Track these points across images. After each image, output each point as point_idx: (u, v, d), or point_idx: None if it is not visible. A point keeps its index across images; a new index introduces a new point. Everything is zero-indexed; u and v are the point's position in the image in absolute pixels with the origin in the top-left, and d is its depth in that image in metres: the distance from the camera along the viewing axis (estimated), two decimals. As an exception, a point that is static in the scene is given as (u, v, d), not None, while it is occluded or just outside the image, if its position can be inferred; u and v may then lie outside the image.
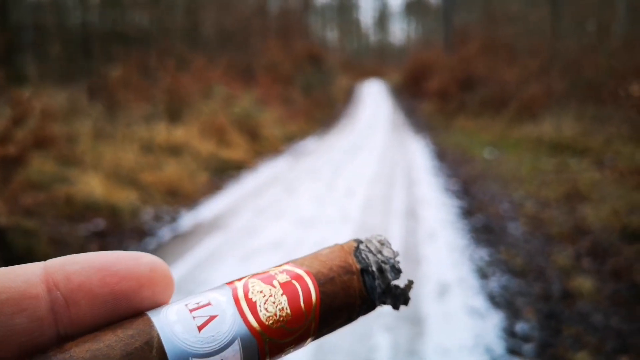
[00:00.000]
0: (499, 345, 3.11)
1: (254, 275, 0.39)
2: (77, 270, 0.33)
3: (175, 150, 8.14)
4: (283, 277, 0.39)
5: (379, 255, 0.42)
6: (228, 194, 6.91)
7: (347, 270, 0.41)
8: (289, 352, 0.38)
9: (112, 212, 5.54)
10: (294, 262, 0.41)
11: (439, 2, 39.14)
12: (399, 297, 0.43)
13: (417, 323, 3.37)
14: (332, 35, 60.06)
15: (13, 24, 12.21)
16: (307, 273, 0.39)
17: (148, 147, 7.93)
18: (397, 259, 0.43)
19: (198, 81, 12.00)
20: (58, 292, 0.32)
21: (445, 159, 9.46)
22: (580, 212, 5.59)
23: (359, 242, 0.44)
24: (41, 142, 5.78)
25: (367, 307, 0.42)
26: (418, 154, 10.09)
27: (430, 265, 4.39)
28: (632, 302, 3.64)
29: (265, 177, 8.00)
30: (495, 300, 3.72)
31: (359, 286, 0.41)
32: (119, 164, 6.84)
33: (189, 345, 0.33)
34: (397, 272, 0.42)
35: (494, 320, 3.42)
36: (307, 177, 7.91)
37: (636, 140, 7.93)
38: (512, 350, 3.07)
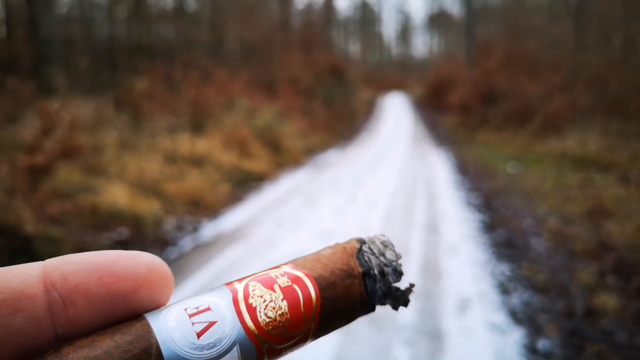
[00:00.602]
0: (520, 362, 3.07)
1: (254, 277, 0.38)
2: (74, 270, 0.33)
3: (198, 161, 8.24)
4: (284, 281, 0.38)
5: (382, 258, 0.42)
6: (249, 205, 6.96)
7: (348, 274, 0.40)
8: (287, 354, 0.38)
9: (135, 222, 5.62)
10: (295, 263, 0.40)
11: (461, 16, 39.08)
12: (399, 299, 0.42)
13: (437, 338, 3.35)
14: (354, 48, 60.30)
15: (43, 37, 12.51)
16: (309, 276, 0.39)
17: (171, 158, 8.04)
18: (400, 261, 0.42)
19: (221, 93, 12.15)
20: (55, 293, 0.32)
21: (467, 173, 9.40)
22: (605, 228, 5.50)
23: (362, 242, 0.43)
24: (68, 152, 5.91)
25: (366, 309, 0.42)
26: (440, 167, 10.04)
27: (451, 279, 4.36)
28: (658, 321, 3.57)
29: (286, 188, 8.04)
30: (516, 317, 3.67)
31: (360, 290, 0.40)
32: (143, 174, 6.95)
33: (188, 352, 0.33)
34: (399, 274, 0.42)
35: (515, 337, 3.38)
36: (328, 189, 7.92)
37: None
38: (533, 368, 3.03)
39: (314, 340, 0.39)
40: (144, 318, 0.34)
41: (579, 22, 16.94)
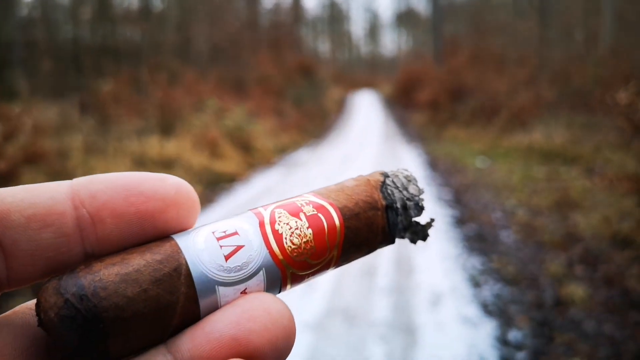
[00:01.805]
0: (492, 354, 3.11)
1: (278, 204, 0.39)
2: (102, 189, 0.33)
3: (167, 164, 8.13)
4: (309, 209, 0.39)
5: (405, 192, 0.43)
6: (220, 206, 6.90)
7: (372, 206, 0.41)
8: (309, 280, 0.39)
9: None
10: (319, 192, 0.41)
11: (428, 14, 39.50)
12: (418, 234, 0.44)
13: (410, 333, 3.37)
14: (323, 47, 60.41)
15: (3, 40, 12.19)
16: (333, 206, 0.40)
17: (140, 161, 7.92)
18: (422, 196, 0.43)
19: (190, 95, 12.03)
20: (84, 210, 0.33)
21: (437, 169, 9.49)
22: (572, 219, 5.62)
23: (386, 175, 0.44)
24: (32, 157, 5.76)
25: (387, 241, 0.43)
26: (410, 164, 10.13)
27: (423, 274, 4.39)
28: (624, 309, 3.66)
29: (258, 189, 7.99)
30: (488, 309, 3.72)
31: (383, 222, 0.41)
32: (111, 179, 6.81)
33: (216, 274, 0.34)
34: (420, 209, 0.43)
35: (487, 329, 3.42)
36: (300, 188, 7.91)
37: (624, 148, 8.01)
38: (505, 359, 3.07)
39: (335, 268, 0.40)
40: (173, 239, 0.35)
41: (543, 18, 17.29)
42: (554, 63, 14.31)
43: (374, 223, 0.41)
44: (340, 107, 25.45)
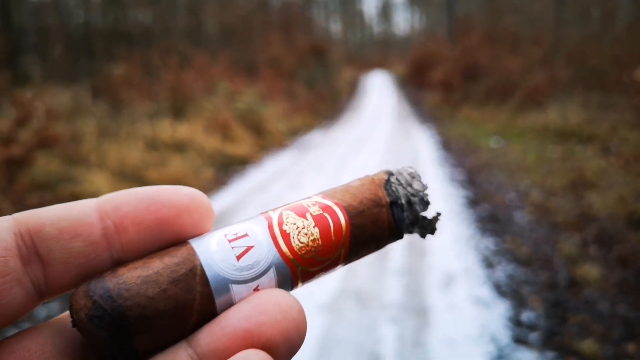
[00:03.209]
0: (504, 335, 3.11)
1: (287, 207, 0.41)
2: (124, 201, 0.37)
3: (179, 147, 8.16)
4: (315, 209, 0.40)
5: (409, 188, 0.43)
6: (233, 189, 6.92)
7: (376, 203, 0.42)
8: (320, 277, 0.41)
9: (118, 210, 5.56)
10: (325, 193, 0.42)
11: (441, -8, 38.87)
12: (426, 227, 0.44)
13: (422, 314, 3.37)
14: (335, 27, 59.85)
15: (16, 26, 12.23)
16: (338, 205, 0.41)
17: (153, 145, 7.95)
18: (426, 191, 0.44)
19: (201, 78, 12.01)
20: (109, 220, 0.37)
21: (450, 149, 9.43)
22: (587, 199, 5.57)
23: (390, 174, 0.45)
24: (45, 142, 5.81)
25: (394, 237, 0.44)
26: (423, 144, 10.06)
27: (435, 255, 4.38)
28: (638, 290, 3.63)
29: (270, 171, 8.00)
30: (501, 290, 3.71)
31: (388, 218, 0.42)
32: (124, 162, 6.86)
33: (229, 272, 0.36)
34: (426, 204, 0.43)
35: (500, 310, 3.41)
36: (312, 170, 7.90)
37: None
38: (518, 339, 3.07)
39: (344, 265, 0.42)
40: (189, 243, 0.38)
41: (558, -5, 16.95)
42: (569, 42, 14.06)
43: (379, 219, 0.42)
44: (352, 89, 25.29)
